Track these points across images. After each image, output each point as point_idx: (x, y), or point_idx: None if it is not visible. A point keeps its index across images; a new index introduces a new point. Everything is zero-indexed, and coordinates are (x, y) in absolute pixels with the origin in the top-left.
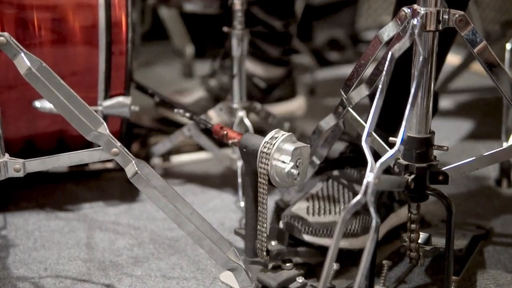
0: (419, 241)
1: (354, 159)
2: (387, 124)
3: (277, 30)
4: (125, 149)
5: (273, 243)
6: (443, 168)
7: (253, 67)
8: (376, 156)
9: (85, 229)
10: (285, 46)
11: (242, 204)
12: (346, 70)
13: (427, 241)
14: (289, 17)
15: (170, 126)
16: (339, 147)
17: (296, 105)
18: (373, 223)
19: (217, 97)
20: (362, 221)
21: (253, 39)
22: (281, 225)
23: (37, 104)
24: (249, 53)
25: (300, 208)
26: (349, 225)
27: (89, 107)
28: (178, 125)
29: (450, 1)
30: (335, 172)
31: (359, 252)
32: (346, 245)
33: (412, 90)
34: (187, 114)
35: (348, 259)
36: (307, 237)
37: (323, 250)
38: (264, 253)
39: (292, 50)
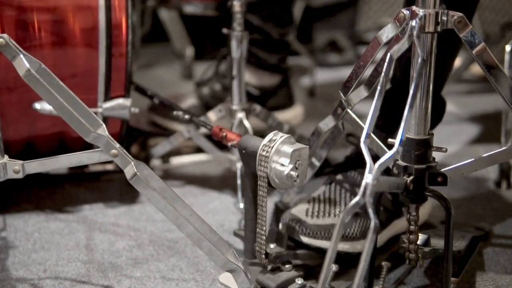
0: (418, 242)
1: (359, 162)
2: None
3: (273, 37)
4: (124, 150)
5: (272, 245)
6: (442, 170)
7: (247, 75)
8: (376, 157)
9: (84, 231)
10: (281, 54)
11: (242, 205)
12: (346, 72)
13: (426, 243)
14: (286, 25)
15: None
16: (346, 150)
17: (292, 114)
18: (372, 224)
19: (208, 105)
20: (361, 224)
21: (249, 46)
22: (280, 226)
23: (37, 106)
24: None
25: (299, 210)
26: (348, 228)
27: (88, 109)
28: (169, 131)
29: (456, 5)
30: (339, 176)
31: (358, 255)
32: (346, 248)
33: (411, 91)
34: (187, 116)
35: (347, 263)
36: (305, 239)
37: (322, 252)
38: (263, 255)
39: (291, 53)
